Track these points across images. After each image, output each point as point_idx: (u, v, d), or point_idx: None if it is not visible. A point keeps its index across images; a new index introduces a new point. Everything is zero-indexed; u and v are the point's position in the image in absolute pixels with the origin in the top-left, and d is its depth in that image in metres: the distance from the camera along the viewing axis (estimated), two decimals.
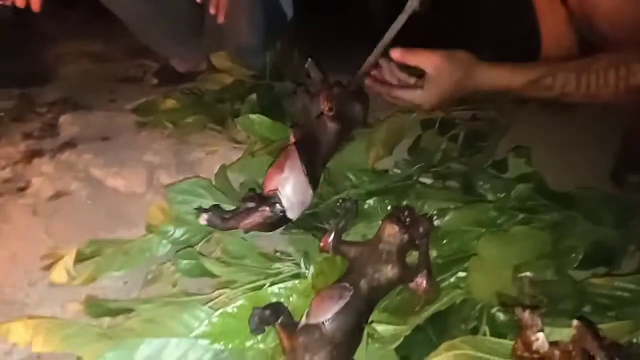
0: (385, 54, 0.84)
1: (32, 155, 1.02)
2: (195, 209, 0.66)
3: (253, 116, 0.95)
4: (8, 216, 0.84)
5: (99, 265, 0.69)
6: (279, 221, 0.68)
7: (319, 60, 0.88)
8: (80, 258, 0.70)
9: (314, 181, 0.71)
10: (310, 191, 0.70)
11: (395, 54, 0.79)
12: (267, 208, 0.65)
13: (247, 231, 0.66)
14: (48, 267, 0.71)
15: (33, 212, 0.85)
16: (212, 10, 1.18)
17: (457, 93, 0.80)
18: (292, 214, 0.68)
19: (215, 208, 0.65)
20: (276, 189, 0.67)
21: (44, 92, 1.37)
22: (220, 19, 1.18)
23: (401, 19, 0.81)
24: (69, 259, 0.70)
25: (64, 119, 1.17)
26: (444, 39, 0.84)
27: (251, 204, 0.65)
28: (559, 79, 0.72)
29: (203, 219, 0.63)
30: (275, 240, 0.72)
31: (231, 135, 1.02)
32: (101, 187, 0.91)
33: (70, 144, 1.06)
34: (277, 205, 0.65)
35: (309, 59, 0.74)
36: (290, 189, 0.67)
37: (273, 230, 0.70)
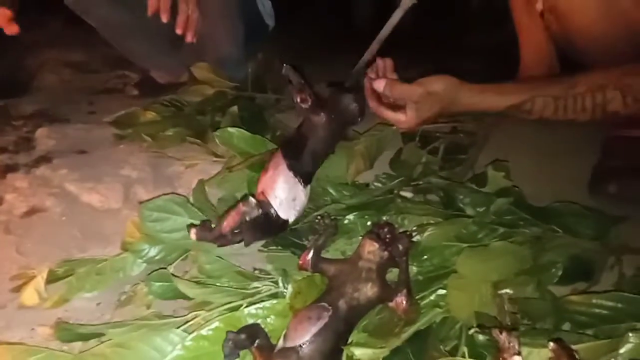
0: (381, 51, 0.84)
1: (6, 170, 0.99)
2: (187, 225, 0.66)
3: (232, 130, 0.94)
4: None
5: (71, 285, 0.67)
6: (272, 223, 0.67)
7: (302, 69, 0.87)
8: (52, 278, 0.68)
9: (304, 176, 0.70)
10: (301, 186, 0.69)
11: (379, 84, 0.79)
12: (241, 204, 0.64)
13: (237, 234, 0.64)
14: (18, 289, 0.69)
15: (5, 230, 0.82)
16: (178, 31, 1.15)
17: (439, 116, 0.81)
18: (284, 213, 0.67)
19: (204, 222, 0.64)
20: (262, 191, 0.66)
21: (21, 104, 1.34)
22: (189, 39, 1.16)
23: (397, 15, 0.80)
24: (40, 280, 0.67)
25: (40, 132, 1.14)
26: (427, 49, 0.83)
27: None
28: (538, 104, 0.74)
29: (193, 234, 0.63)
30: (253, 258, 0.71)
31: (211, 148, 1.00)
32: (76, 202, 0.89)
33: (45, 158, 1.03)
34: (253, 200, 0.64)
35: (284, 65, 0.73)
36: (277, 186, 0.67)
37: (271, 235, 0.70)
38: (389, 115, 0.81)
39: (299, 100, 0.73)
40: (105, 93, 1.46)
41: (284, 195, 0.67)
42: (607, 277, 0.66)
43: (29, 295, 0.67)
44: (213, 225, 0.64)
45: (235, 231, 0.64)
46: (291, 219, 0.69)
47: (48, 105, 1.33)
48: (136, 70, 1.54)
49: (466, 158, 0.86)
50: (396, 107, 0.80)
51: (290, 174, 0.68)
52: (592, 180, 0.87)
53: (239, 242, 0.66)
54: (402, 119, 0.79)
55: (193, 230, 0.63)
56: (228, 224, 0.63)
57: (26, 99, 1.40)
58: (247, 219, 0.63)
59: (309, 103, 0.73)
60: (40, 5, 1.76)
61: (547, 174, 0.90)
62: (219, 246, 0.66)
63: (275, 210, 0.67)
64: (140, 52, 1.47)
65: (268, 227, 0.67)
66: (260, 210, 0.64)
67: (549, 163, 0.93)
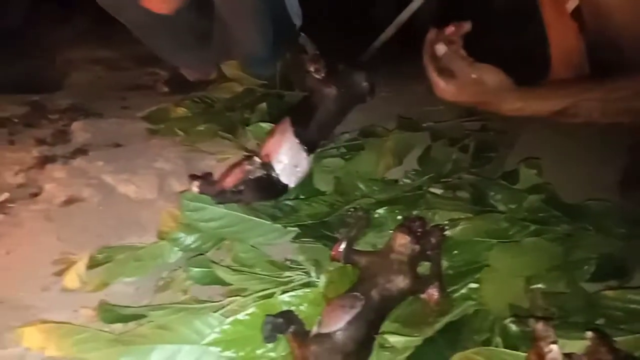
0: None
1: (45, 161, 1.03)
2: (189, 175, 0.68)
3: (264, 124, 0.97)
4: (21, 221, 0.85)
5: (111, 271, 0.70)
6: (273, 186, 0.69)
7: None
8: (92, 264, 0.71)
9: (308, 145, 0.71)
10: (304, 154, 0.70)
11: (439, 49, 0.75)
12: (245, 162, 0.65)
13: (237, 192, 0.66)
14: (61, 273, 0.71)
15: (46, 217, 0.86)
16: None
17: (476, 104, 0.76)
18: (285, 178, 0.69)
19: (207, 175, 0.66)
20: (267, 154, 0.68)
21: (56, 99, 1.38)
22: (166, 9, 1.18)
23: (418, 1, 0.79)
24: (81, 265, 0.70)
25: (75, 125, 1.18)
26: None
27: None
28: (583, 109, 0.72)
29: (195, 187, 0.65)
30: (285, 248, 0.73)
31: (241, 143, 1.03)
32: (113, 193, 0.92)
33: (82, 151, 1.07)
34: (258, 160, 0.65)
35: (301, 34, 0.75)
36: (282, 151, 0.68)
37: (270, 197, 0.71)
38: (433, 76, 0.76)
39: (312, 70, 0.75)
40: (136, 89, 1.50)
41: (287, 160, 0.69)
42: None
43: (71, 279, 0.70)
44: (215, 179, 0.65)
45: (237, 189, 0.65)
46: (291, 185, 0.70)
47: (81, 100, 1.37)
48: (166, 68, 1.57)
49: (496, 156, 0.86)
50: (444, 71, 0.75)
51: (296, 141, 0.69)
52: (623, 182, 0.86)
53: (236, 202, 0.68)
54: (442, 85, 0.74)
55: (195, 183, 0.64)
56: (231, 180, 0.65)
57: (60, 94, 1.44)
58: (250, 177, 0.65)
59: (322, 74, 0.74)
60: (69, 3, 1.81)
61: (577, 173, 0.89)
62: (217, 203, 0.68)
63: (277, 174, 0.68)
64: (170, 50, 1.50)
65: (269, 189, 0.69)
66: (264, 172, 0.66)
67: (580, 162, 0.93)
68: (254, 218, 0.73)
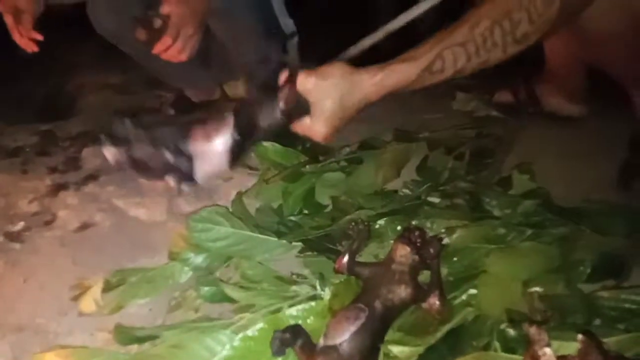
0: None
1: (57, 188, 1.07)
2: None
3: (267, 144, 0.99)
4: (37, 249, 0.88)
5: (125, 293, 0.73)
6: None
7: None
8: (107, 287, 0.74)
9: None
10: None
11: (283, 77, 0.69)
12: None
13: None
14: (77, 297, 0.75)
15: (61, 243, 0.89)
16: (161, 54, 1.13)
17: (347, 113, 0.69)
18: None
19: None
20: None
21: (66, 126, 1.43)
22: (183, 57, 1.16)
23: (414, 11, 0.77)
24: (96, 289, 0.73)
25: (86, 152, 1.22)
26: None
27: None
28: (448, 59, 0.66)
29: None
30: (291, 263, 0.75)
31: (245, 162, 1.05)
32: (124, 217, 0.95)
33: (93, 177, 1.10)
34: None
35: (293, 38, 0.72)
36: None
37: None
38: (298, 127, 0.70)
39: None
40: (143, 113, 1.54)
41: None
42: (637, 274, 0.67)
43: (87, 303, 0.73)
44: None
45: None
46: None
47: (91, 126, 1.41)
48: (171, 90, 1.61)
49: (492, 162, 0.88)
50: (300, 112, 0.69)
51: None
52: (620, 177, 0.88)
53: None
54: (308, 124, 0.68)
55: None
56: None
57: (70, 120, 1.49)
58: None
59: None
60: (74, 30, 1.87)
61: (574, 173, 0.91)
62: None
63: None
64: (172, 73, 1.55)
65: None
66: None
67: (576, 163, 0.94)
68: (260, 235, 0.75)
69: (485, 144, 0.94)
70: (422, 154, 0.93)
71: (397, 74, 0.67)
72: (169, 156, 0.66)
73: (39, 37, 1.14)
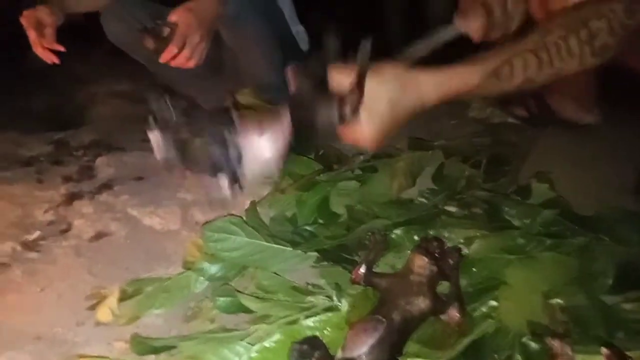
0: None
1: (72, 197, 1.07)
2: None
3: None
4: (53, 258, 0.89)
5: (141, 303, 0.73)
6: None
7: None
8: (123, 297, 0.74)
9: None
10: None
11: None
12: None
13: None
14: (93, 307, 0.75)
15: (76, 253, 0.90)
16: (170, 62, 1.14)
17: (399, 116, 0.63)
18: None
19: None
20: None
21: (79, 135, 1.44)
22: (190, 64, 1.18)
23: (439, 37, 0.75)
24: (113, 299, 0.74)
25: (99, 161, 1.23)
26: None
27: None
28: (517, 65, 0.61)
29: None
30: (306, 273, 0.75)
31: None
32: (138, 226, 0.96)
33: (107, 186, 1.11)
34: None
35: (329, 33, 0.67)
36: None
37: None
38: (347, 135, 0.65)
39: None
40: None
41: None
42: None
43: (104, 313, 0.73)
44: None
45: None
46: None
47: (103, 135, 1.43)
48: (182, 98, 1.62)
49: (509, 170, 0.88)
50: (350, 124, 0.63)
51: None
52: (638, 183, 0.86)
53: None
54: (357, 130, 0.63)
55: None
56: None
57: (83, 129, 1.50)
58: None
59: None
60: (83, 38, 1.89)
61: (591, 181, 0.90)
62: None
63: None
64: (184, 81, 1.56)
65: None
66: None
67: (593, 170, 0.93)
68: (274, 245, 0.75)
69: (502, 152, 0.93)
70: (438, 162, 0.92)
71: (460, 76, 0.62)
72: (217, 150, 0.63)
73: (62, 49, 1.16)
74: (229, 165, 0.64)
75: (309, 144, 0.69)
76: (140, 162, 1.22)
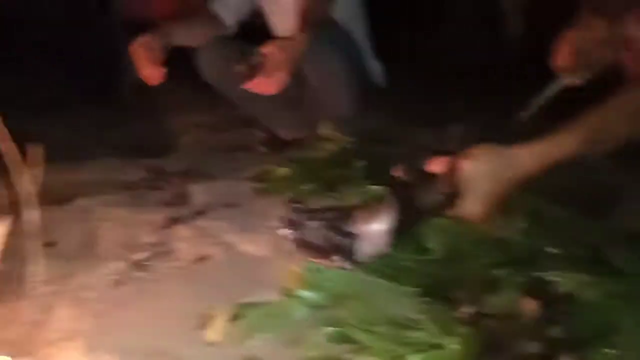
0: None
1: (171, 222, 1.15)
2: None
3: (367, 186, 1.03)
4: (159, 278, 0.95)
5: (248, 327, 0.77)
6: None
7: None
8: (230, 319, 0.78)
9: None
10: None
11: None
12: None
13: None
14: (201, 327, 0.79)
15: (180, 274, 0.96)
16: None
17: (503, 190, 0.71)
18: None
19: None
20: None
21: (171, 162, 1.55)
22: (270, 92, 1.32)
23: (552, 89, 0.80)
24: (221, 320, 0.78)
25: (193, 188, 1.31)
26: None
27: None
28: (609, 130, 0.65)
29: None
30: (405, 308, 0.76)
31: (345, 202, 1.09)
32: (235, 251, 1.01)
33: (201, 212, 1.18)
34: None
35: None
36: None
37: None
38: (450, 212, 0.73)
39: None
40: (237, 150, 1.65)
41: None
42: None
43: (214, 333, 0.77)
44: None
45: None
46: None
47: (193, 162, 1.53)
48: (261, 128, 1.71)
49: (609, 211, 0.85)
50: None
51: None
52: None
53: None
54: (460, 206, 0.71)
55: None
56: None
57: (174, 157, 1.62)
58: None
59: None
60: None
61: None
62: None
63: None
64: (266, 113, 1.66)
65: None
66: None
67: None
68: (373, 278, 0.77)
69: (599, 191, 0.91)
70: (532, 200, 0.91)
71: (558, 147, 0.67)
72: (337, 238, 0.76)
73: (164, 71, 1.39)
74: (344, 249, 0.76)
75: (418, 222, 0.81)
76: (229, 190, 1.30)
